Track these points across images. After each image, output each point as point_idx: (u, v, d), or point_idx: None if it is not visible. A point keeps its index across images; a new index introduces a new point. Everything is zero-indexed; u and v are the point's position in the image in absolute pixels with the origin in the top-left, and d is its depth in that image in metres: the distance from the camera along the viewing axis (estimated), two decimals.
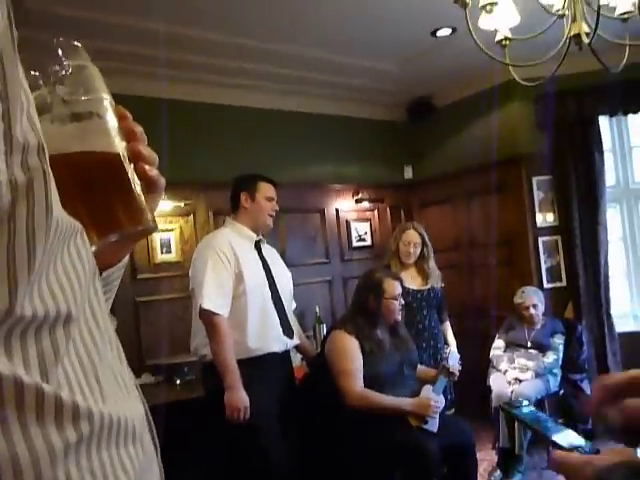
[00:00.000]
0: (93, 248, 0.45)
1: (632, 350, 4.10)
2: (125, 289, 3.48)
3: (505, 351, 3.82)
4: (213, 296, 2.40)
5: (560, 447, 0.94)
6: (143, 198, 0.50)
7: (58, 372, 0.36)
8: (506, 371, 3.68)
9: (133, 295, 3.61)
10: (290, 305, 2.76)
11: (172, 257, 3.85)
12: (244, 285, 2.49)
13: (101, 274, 0.54)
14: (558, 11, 2.27)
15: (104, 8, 2.96)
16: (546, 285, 4.23)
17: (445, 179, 4.82)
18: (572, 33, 2.23)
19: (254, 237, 2.66)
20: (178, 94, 3.82)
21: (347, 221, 4.82)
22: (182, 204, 3.85)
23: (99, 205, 0.48)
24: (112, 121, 0.50)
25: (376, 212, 5.01)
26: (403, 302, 2.82)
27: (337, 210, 4.76)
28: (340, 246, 4.76)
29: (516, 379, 3.59)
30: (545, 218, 4.33)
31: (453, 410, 3.25)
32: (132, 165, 0.51)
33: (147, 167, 0.53)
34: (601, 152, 4.15)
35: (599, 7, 2.10)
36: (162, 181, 0.55)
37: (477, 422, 3.31)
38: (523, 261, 4.33)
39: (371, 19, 3.40)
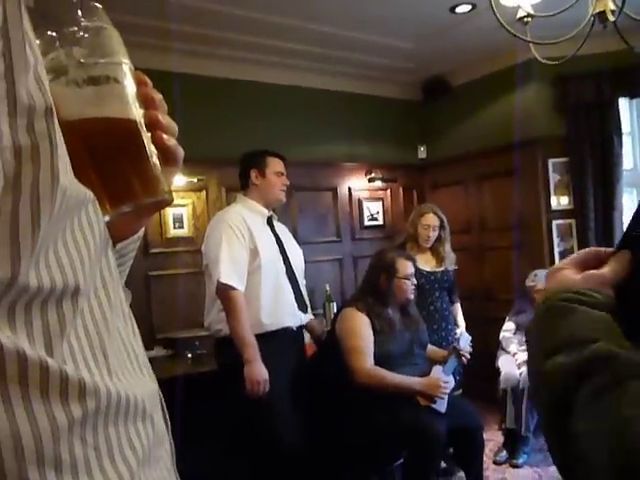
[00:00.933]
0: (106, 218, 0.44)
1: None
2: (137, 263, 3.48)
3: (515, 334, 3.81)
4: (229, 271, 2.40)
5: None
6: (159, 168, 0.48)
7: (64, 346, 0.35)
8: (515, 354, 3.68)
9: (145, 269, 3.63)
10: (302, 282, 2.76)
11: (184, 232, 3.86)
12: (259, 260, 2.49)
13: (115, 246, 0.52)
14: None
15: None
16: None
17: (459, 160, 4.77)
18: (597, 10, 2.17)
19: (266, 213, 2.66)
20: (192, 68, 3.80)
21: (359, 200, 4.80)
22: (195, 180, 3.85)
23: (113, 174, 0.46)
24: (130, 87, 0.48)
25: (388, 192, 4.98)
26: (415, 282, 2.81)
27: (349, 189, 4.74)
28: (351, 225, 4.75)
29: (525, 361, 3.58)
30: (559, 201, 4.29)
31: (460, 391, 3.26)
32: (149, 134, 0.49)
33: (165, 136, 0.50)
34: (619, 135, 4.08)
35: None
36: (180, 152, 0.53)
37: (483, 403, 3.33)
38: (536, 244, 4.29)
39: None
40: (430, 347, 2.98)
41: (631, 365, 0.42)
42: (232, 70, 4.04)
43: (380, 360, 2.60)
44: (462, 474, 2.98)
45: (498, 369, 3.65)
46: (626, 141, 4.20)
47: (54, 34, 0.44)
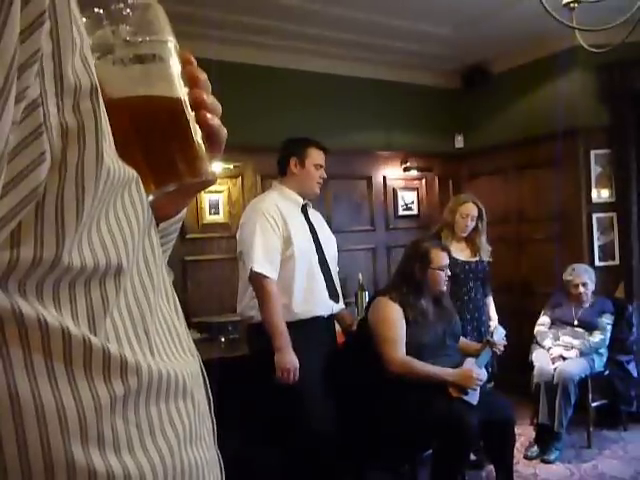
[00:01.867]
0: (150, 198, 0.44)
1: None
2: (174, 248, 3.56)
3: (550, 328, 3.74)
4: (262, 259, 2.41)
5: None
6: (204, 148, 0.48)
7: (107, 325, 0.36)
8: (550, 348, 3.62)
9: (181, 254, 3.70)
10: (335, 270, 2.76)
11: (220, 218, 3.91)
12: (292, 248, 2.50)
13: (158, 226, 0.52)
14: None
15: None
16: (598, 263, 4.10)
17: (497, 150, 4.68)
18: None
19: (301, 201, 2.66)
20: (229, 56, 3.81)
21: (394, 189, 4.77)
22: (231, 166, 3.89)
23: (157, 152, 0.46)
24: (175, 65, 0.47)
25: (424, 181, 4.93)
26: (449, 273, 2.79)
27: (384, 178, 4.71)
28: (386, 214, 4.72)
29: (560, 356, 3.53)
30: (600, 194, 4.17)
31: (492, 384, 3.23)
32: (193, 113, 0.48)
33: (209, 116, 0.49)
34: None
35: None
36: (224, 132, 0.52)
37: (515, 397, 3.29)
38: (575, 237, 4.20)
39: None
40: (463, 340, 2.95)
41: None
42: (269, 58, 4.04)
43: (412, 351, 2.59)
44: (491, 467, 2.96)
45: (532, 363, 3.60)
46: None
47: (101, 11, 0.44)
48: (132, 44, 0.44)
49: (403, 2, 3.54)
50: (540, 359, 3.57)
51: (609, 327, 3.62)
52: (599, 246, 4.16)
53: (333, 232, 2.92)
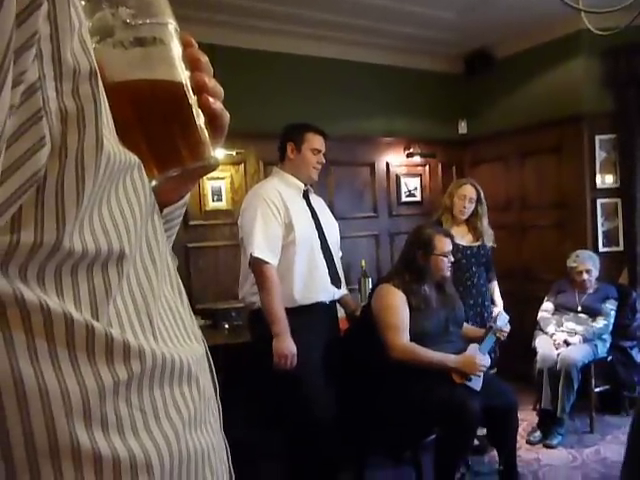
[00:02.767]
0: (153, 183, 0.44)
1: None
2: (177, 234, 3.57)
3: (554, 314, 3.75)
4: (263, 245, 2.41)
5: None
6: (206, 132, 0.47)
7: (109, 310, 0.36)
8: (553, 334, 3.62)
9: (184, 241, 3.70)
10: (338, 255, 2.76)
11: (222, 205, 3.91)
12: (293, 234, 2.49)
13: (161, 211, 0.52)
14: None
15: None
16: (602, 249, 4.09)
17: (501, 136, 4.65)
18: None
19: (302, 186, 2.65)
20: (231, 41, 3.78)
21: (397, 176, 4.75)
22: (234, 153, 3.88)
23: (159, 137, 0.45)
24: (176, 48, 0.46)
25: (427, 167, 4.91)
26: (452, 259, 2.79)
27: (387, 164, 4.69)
28: (389, 201, 4.71)
29: (564, 342, 3.53)
30: (604, 179, 4.15)
31: (495, 369, 3.24)
32: (195, 96, 0.47)
33: (211, 99, 0.49)
34: None
35: None
36: (226, 116, 0.51)
37: (518, 383, 3.30)
38: (578, 223, 4.18)
39: None
40: (466, 325, 2.96)
41: None
42: (271, 43, 4.01)
43: (415, 337, 2.60)
44: (494, 452, 2.98)
45: (535, 349, 3.60)
46: None
47: None
48: (132, 26, 0.43)
49: None
50: (543, 345, 3.58)
51: (613, 313, 3.62)
52: (603, 232, 4.14)
53: (336, 219, 2.91)
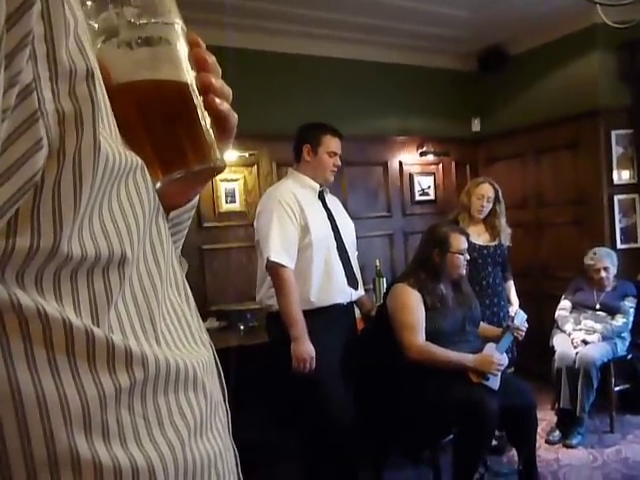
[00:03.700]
0: (157, 185, 0.43)
1: None
2: (191, 237, 3.58)
3: (571, 312, 3.70)
4: (279, 248, 2.40)
5: None
6: (212, 134, 0.46)
7: (111, 315, 0.35)
8: (571, 333, 3.58)
9: (199, 243, 3.72)
10: (354, 255, 2.74)
11: (236, 207, 3.92)
12: (310, 237, 2.48)
13: (168, 215, 0.51)
14: None
15: None
16: (620, 246, 4.04)
17: (516, 133, 4.61)
18: None
19: (317, 187, 2.63)
20: (243, 42, 3.78)
21: (410, 174, 4.73)
22: (246, 154, 3.88)
23: (164, 138, 0.44)
24: (182, 48, 0.45)
25: (440, 166, 4.88)
26: (468, 257, 2.76)
27: (400, 163, 4.67)
28: (402, 200, 4.69)
29: (583, 341, 3.48)
30: (621, 175, 4.09)
31: (513, 369, 3.21)
32: (202, 97, 0.46)
33: (218, 100, 0.47)
34: None
35: None
36: (234, 118, 0.50)
37: (536, 382, 3.27)
38: (595, 220, 4.13)
39: None
40: (483, 325, 2.93)
41: None
42: (283, 44, 4.01)
43: (431, 337, 2.58)
44: (513, 452, 2.95)
45: (553, 348, 3.56)
46: None
47: None
48: (137, 26, 0.43)
49: None
50: (561, 344, 3.53)
51: (632, 310, 3.56)
52: (621, 228, 4.09)
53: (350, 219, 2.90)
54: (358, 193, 4.41)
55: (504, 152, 4.78)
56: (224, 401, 0.47)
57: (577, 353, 3.41)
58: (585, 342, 3.47)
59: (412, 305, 2.62)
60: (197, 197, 0.57)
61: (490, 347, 2.63)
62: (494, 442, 2.99)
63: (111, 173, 0.35)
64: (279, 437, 2.97)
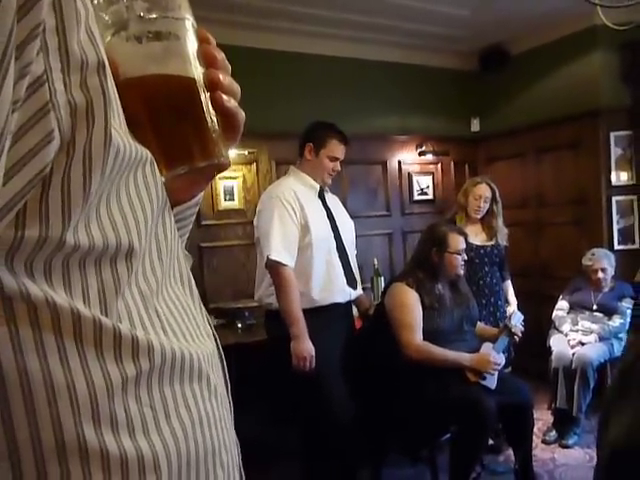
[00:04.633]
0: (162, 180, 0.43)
1: None
2: (190, 234, 3.58)
3: (569, 313, 3.71)
4: (280, 247, 2.40)
5: None
6: (218, 130, 0.46)
7: (118, 305, 0.35)
8: (568, 333, 3.58)
9: (197, 240, 3.72)
10: (353, 254, 2.74)
11: (235, 205, 3.92)
12: (310, 236, 2.48)
13: (172, 209, 0.51)
14: None
15: None
16: (617, 247, 4.05)
17: (515, 133, 4.61)
18: None
19: (317, 186, 2.63)
20: (243, 41, 3.78)
21: (409, 174, 4.73)
22: (246, 152, 3.88)
23: (169, 133, 0.44)
24: (191, 44, 0.45)
25: (440, 165, 4.88)
26: (466, 258, 2.77)
27: (399, 162, 4.67)
28: (401, 199, 4.69)
29: (579, 342, 3.49)
30: (620, 176, 4.10)
31: (510, 368, 3.22)
32: (209, 94, 0.46)
33: (225, 97, 0.47)
34: None
35: None
36: (241, 115, 0.49)
37: (533, 381, 3.27)
38: (594, 221, 4.14)
39: None
40: (480, 324, 2.93)
41: None
42: (282, 42, 4.01)
43: (429, 336, 2.58)
44: (509, 451, 2.95)
45: (550, 348, 3.57)
46: None
47: None
48: (146, 20, 0.43)
49: None
50: (558, 344, 3.54)
51: (629, 311, 3.57)
52: (619, 229, 4.10)
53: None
54: (357, 192, 4.41)
55: (504, 152, 4.78)
56: (227, 394, 0.47)
57: (574, 353, 3.42)
58: (582, 344, 3.48)
59: (410, 304, 2.62)
60: (201, 194, 0.57)
61: (487, 346, 2.64)
62: (491, 441, 3.00)
63: (121, 164, 0.35)
64: (277, 434, 2.97)
